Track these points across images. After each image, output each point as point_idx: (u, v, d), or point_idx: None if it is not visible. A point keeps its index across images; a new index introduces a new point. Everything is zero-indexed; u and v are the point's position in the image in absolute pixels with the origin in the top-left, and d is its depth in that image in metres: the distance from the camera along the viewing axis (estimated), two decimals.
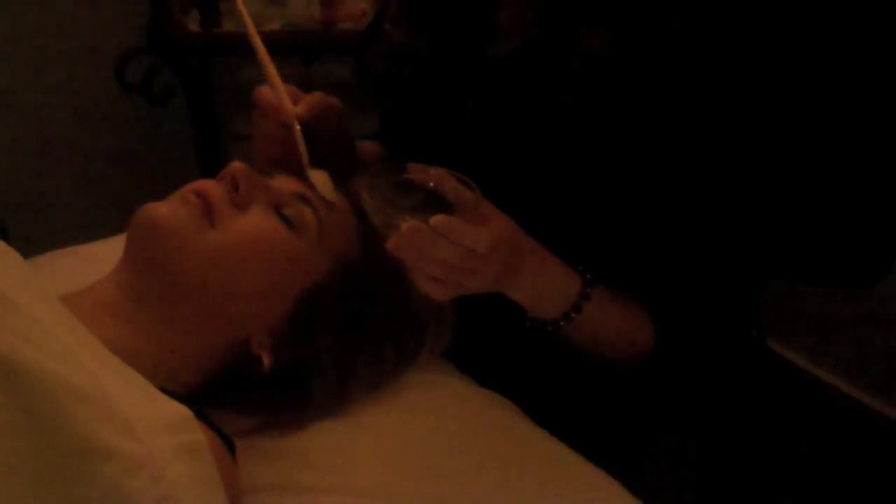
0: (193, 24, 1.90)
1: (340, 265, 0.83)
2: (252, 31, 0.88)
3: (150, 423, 0.59)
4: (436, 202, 0.74)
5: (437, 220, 0.69)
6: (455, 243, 0.70)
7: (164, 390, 0.66)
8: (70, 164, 2.06)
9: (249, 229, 0.79)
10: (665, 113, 0.78)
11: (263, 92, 0.88)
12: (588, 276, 0.82)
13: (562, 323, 0.82)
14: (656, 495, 0.84)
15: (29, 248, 0.89)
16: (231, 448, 0.72)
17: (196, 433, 0.62)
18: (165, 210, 0.77)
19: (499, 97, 0.87)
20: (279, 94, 0.87)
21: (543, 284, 0.81)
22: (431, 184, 0.75)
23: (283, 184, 0.84)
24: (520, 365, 0.93)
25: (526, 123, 0.85)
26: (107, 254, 0.86)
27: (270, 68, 0.88)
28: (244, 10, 0.89)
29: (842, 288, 0.89)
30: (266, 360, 0.79)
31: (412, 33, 0.95)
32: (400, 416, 0.84)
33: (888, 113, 0.78)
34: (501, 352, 0.93)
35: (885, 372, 1.68)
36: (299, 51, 2.10)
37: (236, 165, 0.82)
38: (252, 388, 0.81)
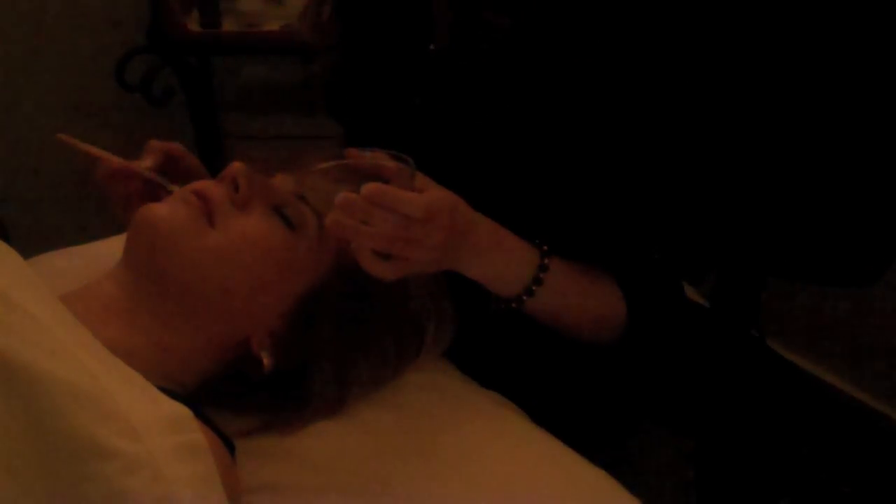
0: (193, 24, 1.90)
1: (340, 265, 0.83)
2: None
3: (149, 423, 0.59)
4: (374, 181, 0.74)
5: (368, 188, 0.70)
6: (390, 211, 0.70)
7: (164, 390, 0.66)
8: (70, 164, 2.05)
9: (249, 229, 0.79)
10: (599, 93, 0.79)
11: (103, 167, 0.87)
12: (545, 247, 0.82)
13: (525, 298, 0.82)
14: (656, 494, 0.84)
15: (29, 248, 0.89)
16: (231, 448, 0.72)
17: (196, 433, 0.62)
18: (165, 210, 0.78)
19: (440, 90, 0.88)
20: (121, 161, 0.87)
21: (498, 259, 0.81)
22: (368, 164, 0.76)
23: (284, 184, 0.84)
24: (520, 365, 0.93)
25: (467, 112, 0.87)
26: (107, 254, 0.86)
27: (99, 152, 0.88)
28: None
29: (841, 287, 0.89)
30: (266, 361, 0.79)
31: (354, 40, 0.96)
32: (400, 416, 0.84)
33: (887, 111, 0.78)
34: (501, 352, 0.93)
35: (885, 372, 1.68)
36: (299, 51, 2.10)
37: (236, 165, 0.82)
38: (252, 388, 0.81)
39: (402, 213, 0.71)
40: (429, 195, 0.73)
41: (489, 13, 0.83)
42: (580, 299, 0.85)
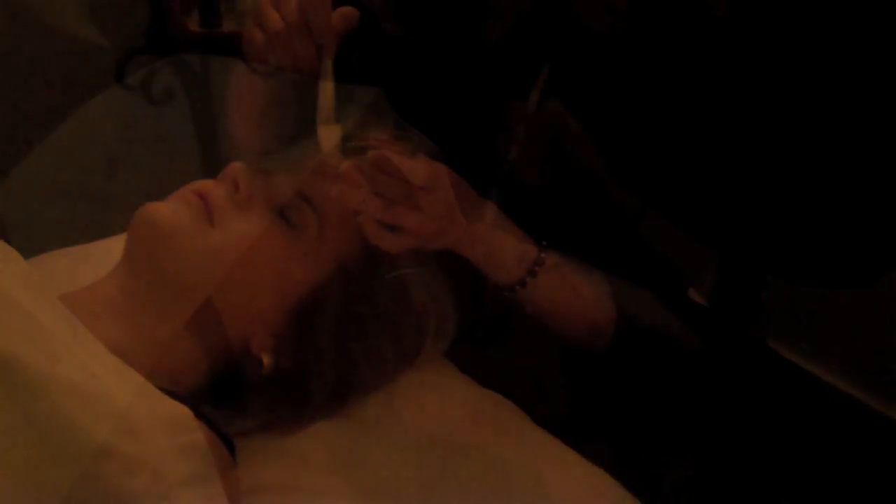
0: (193, 24, 1.90)
1: (341, 265, 0.83)
2: None
3: (149, 423, 0.59)
4: None
5: (372, 154, 0.74)
6: (392, 176, 0.74)
7: (164, 390, 0.66)
8: (70, 164, 2.06)
9: (250, 229, 0.79)
10: (678, 85, 0.79)
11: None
12: (543, 242, 0.84)
13: (517, 288, 0.84)
14: (656, 494, 0.84)
15: (29, 248, 0.89)
16: (231, 448, 0.72)
17: (196, 433, 0.62)
18: (166, 210, 0.78)
19: (496, 81, 0.88)
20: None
21: (497, 244, 0.83)
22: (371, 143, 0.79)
23: (284, 183, 0.84)
24: (519, 365, 0.93)
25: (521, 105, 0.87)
26: (107, 254, 0.86)
27: None
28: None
29: (842, 289, 0.89)
30: (266, 361, 0.79)
31: (404, 28, 0.96)
32: (400, 416, 0.84)
33: (888, 112, 0.78)
34: (501, 352, 0.93)
35: (885, 372, 1.68)
36: None
37: (236, 165, 0.82)
38: (252, 388, 0.81)
39: (404, 180, 0.74)
40: (430, 164, 0.76)
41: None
42: (572, 300, 0.86)
